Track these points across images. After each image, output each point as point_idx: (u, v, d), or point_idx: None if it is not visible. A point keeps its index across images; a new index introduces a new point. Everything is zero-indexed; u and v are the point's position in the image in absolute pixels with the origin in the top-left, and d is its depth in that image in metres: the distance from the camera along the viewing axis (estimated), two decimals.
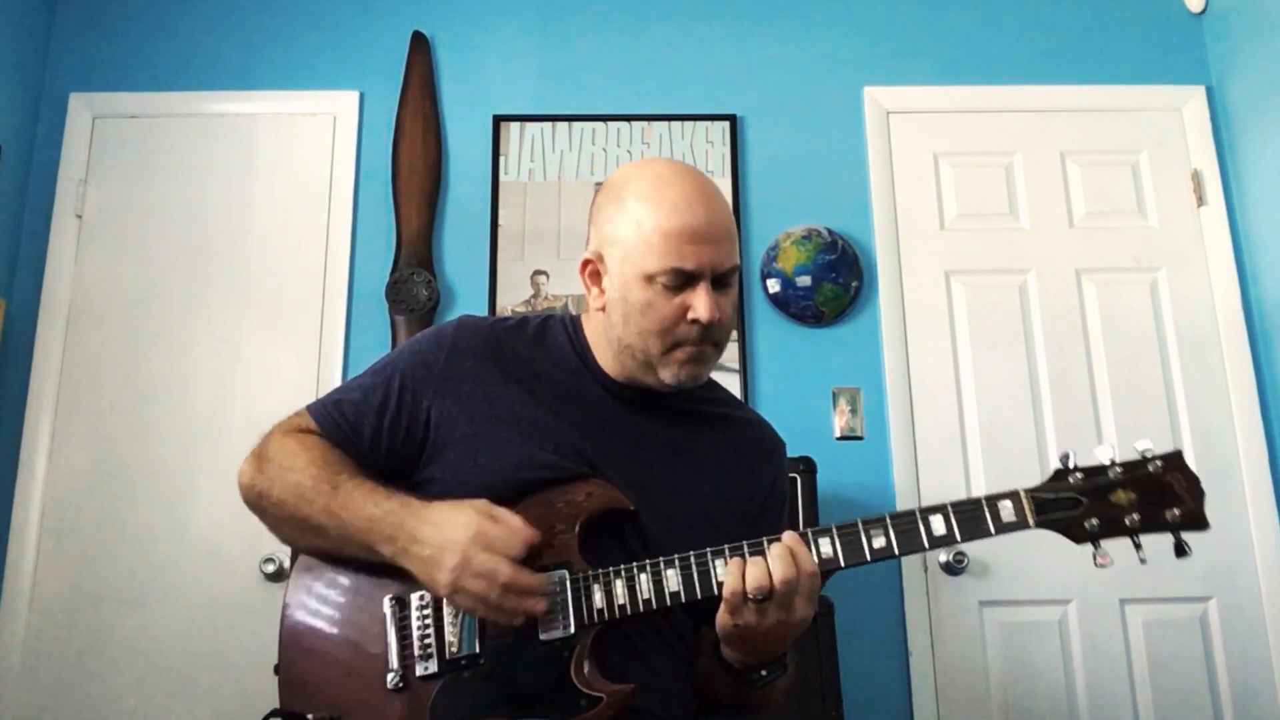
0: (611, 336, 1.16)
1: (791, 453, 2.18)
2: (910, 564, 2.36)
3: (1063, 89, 2.69)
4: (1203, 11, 2.72)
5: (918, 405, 2.46)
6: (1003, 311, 2.53)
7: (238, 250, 2.53)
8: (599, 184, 1.23)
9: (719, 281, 1.12)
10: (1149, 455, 1.02)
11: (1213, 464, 2.41)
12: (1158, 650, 2.31)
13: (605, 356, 1.19)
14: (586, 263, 1.18)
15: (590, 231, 1.20)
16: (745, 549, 1.04)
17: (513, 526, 1.03)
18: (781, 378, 2.48)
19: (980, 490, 2.35)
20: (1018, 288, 2.55)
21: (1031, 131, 2.66)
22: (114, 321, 2.48)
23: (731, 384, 2.44)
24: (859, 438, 2.45)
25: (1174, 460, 1.02)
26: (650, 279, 1.10)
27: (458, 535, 1.01)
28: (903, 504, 2.37)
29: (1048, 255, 2.57)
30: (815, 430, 2.43)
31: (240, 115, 2.63)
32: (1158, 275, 2.55)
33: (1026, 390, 2.47)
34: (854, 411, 2.46)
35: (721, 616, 1.02)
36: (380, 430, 1.15)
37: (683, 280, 1.10)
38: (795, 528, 1.07)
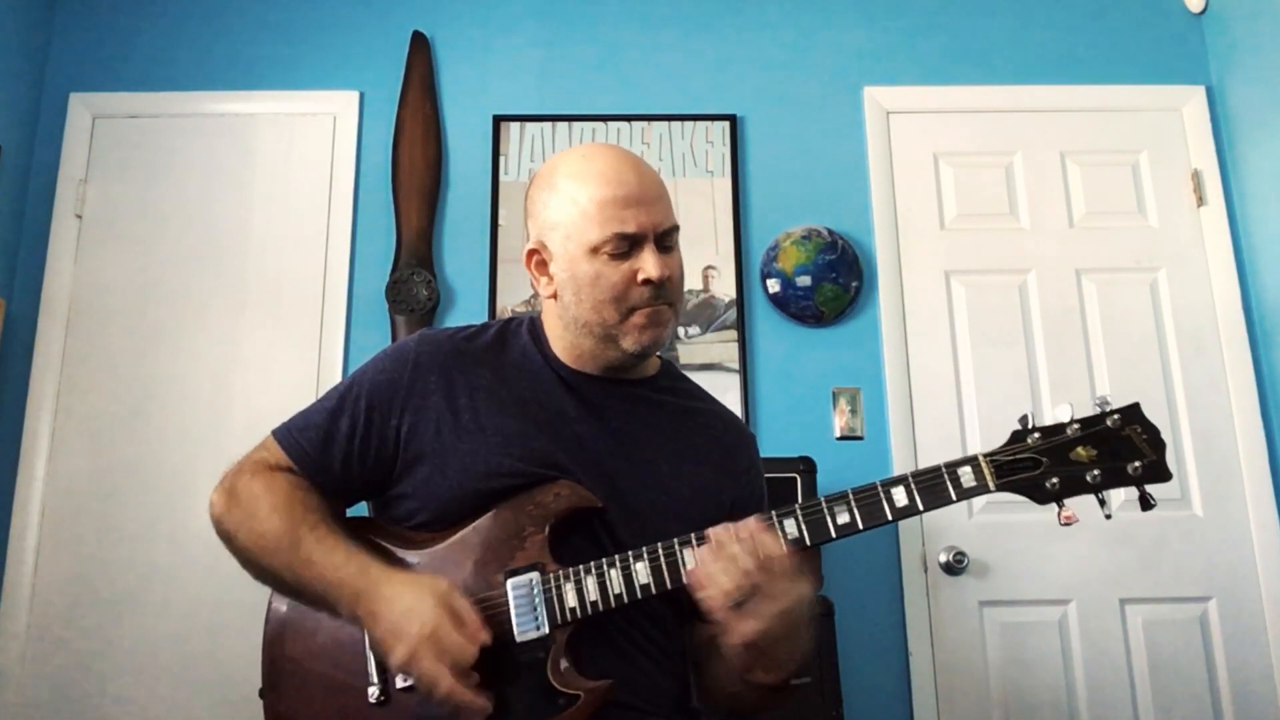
0: (567, 319, 1.17)
1: (791, 453, 2.22)
2: (910, 564, 2.36)
3: (1063, 89, 2.69)
4: (1203, 11, 2.72)
5: (918, 405, 2.46)
6: (1003, 311, 2.53)
7: (238, 250, 2.53)
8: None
9: (661, 244, 1.14)
10: (1107, 410, 1.01)
11: (1213, 464, 2.41)
12: (1158, 650, 2.31)
13: (563, 348, 1.21)
14: (531, 253, 1.20)
15: (528, 225, 1.22)
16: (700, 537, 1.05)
17: (470, 626, 1.02)
18: (781, 378, 2.48)
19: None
20: (1018, 288, 2.55)
21: (1031, 131, 2.66)
22: (114, 321, 2.48)
23: (731, 384, 2.44)
24: (859, 438, 2.45)
25: (1132, 413, 1.01)
26: (595, 250, 1.12)
27: (411, 629, 1.00)
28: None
29: (1048, 255, 2.57)
30: (815, 430, 2.43)
31: (240, 115, 2.63)
32: (1158, 275, 2.55)
33: (1026, 390, 2.46)
34: (854, 411, 2.46)
35: (726, 645, 1.02)
36: (350, 455, 1.16)
37: (627, 245, 1.12)
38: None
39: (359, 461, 1.16)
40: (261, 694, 1.12)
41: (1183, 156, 2.63)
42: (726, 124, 2.65)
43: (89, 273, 2.50)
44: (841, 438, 2.45)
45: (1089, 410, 1.02)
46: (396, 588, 1.03)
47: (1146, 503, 0.99)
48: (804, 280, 2.47)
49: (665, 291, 1.14)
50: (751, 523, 1.02)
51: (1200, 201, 2.59)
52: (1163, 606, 2.34)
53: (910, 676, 2.30)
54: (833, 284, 2.48)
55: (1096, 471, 1.00)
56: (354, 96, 2.65)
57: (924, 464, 2.35)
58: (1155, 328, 2.52)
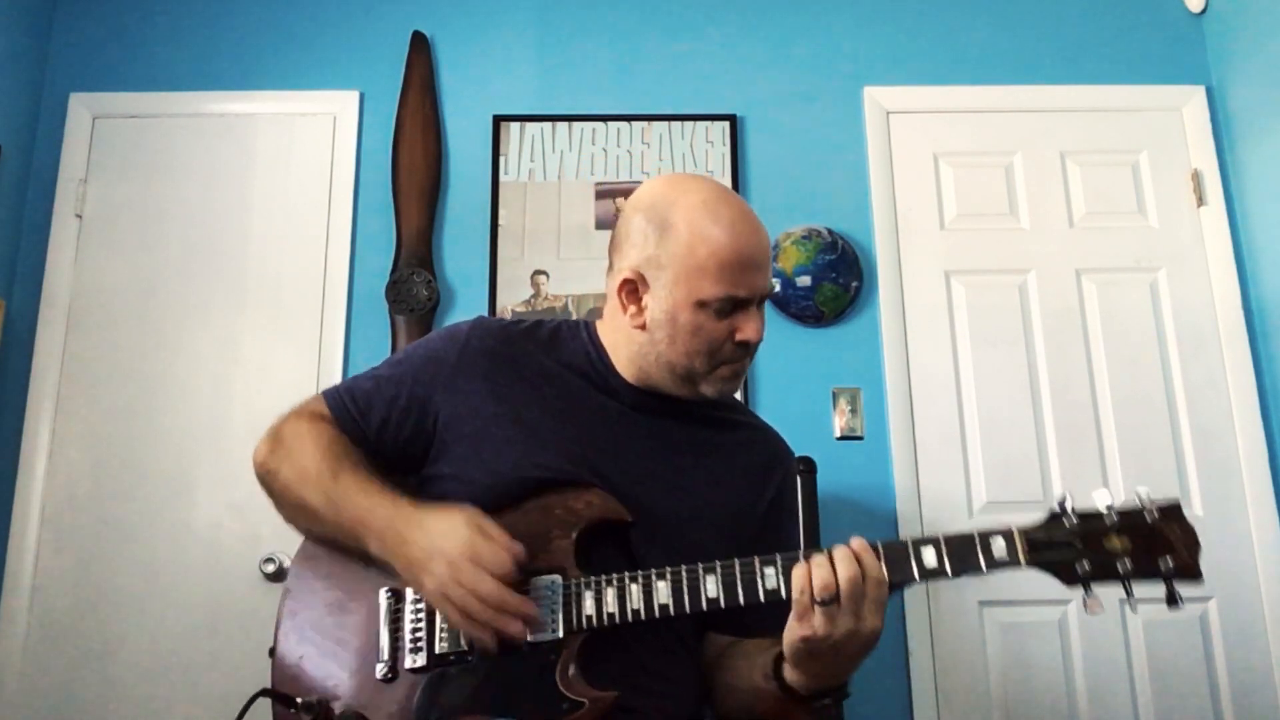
0: (648, 351, 1.17)
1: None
2: None
3: (1063, 89, 2.68)
4: (1203, 11, 2.72)
5: (918, 405, 2.46)
6: (1003, 311, 2.53)
7: (238, 250, 2.53)
8: (621, 198, 1.24)
9: (759, 305, 1.17)
10: (1147, 504, 1.01)
11: (1213, 464, 2.41)
12: (1158, 650, 2.31)
13: (628, 367, 1.21)
14: (626, 282, 1.17)
15: (624, 249, 1.18)
16: (749, 564, 1.05)
17: (502, 543, 1.04)
18: (781, 378, 2.48)
19: (980, 492, 2.37)
20: (1018, 288, 2.55)
21: (1031, 131, 2.66)
22: (114, 321, 2.48)
23: None
24: (859, 438, 2.45)
25: (1172, 511, 1.01)
26: (703, 304, 1.12)
27: (448, 544, 1.02)
28: (903, 504, 2.38)
29: (1048, 255, 2.56)
30: (815, 430, 2.43)
31: (240, 115, 2.63)
32: (1158, 275, 2.55)
33: (1026, 390, 2.46)
34: (854, 411, 2.46)
35: (790, 629, 0.98)
36: (389, 421, 1.19)
37: (734, 305, 1.13)
38: (795, 530, 1.07)
39: (395, 430, 1.19)
40: (272, 652, 1.14)
41: (1183, 156, 2.63)
42: (726, 124, 2.65)
43: (89, 273, 2.50)
44: (841, 438, 2.45)
45: (1127, 497, 1.02)
46: (427, 514, 1.06)
47: (1173, 600, 1.00)
48: (804, 280, 2.47)
49: (753, 351, 1.17)
50: (861, 541, 1.00)
51: (1200, 201, 2.59)
52: (1163, 606, 2.32)
53: (910, 676, 2.30)
54: (833, 284, 2.48)
55: (1129, 561, 0.99)
56: (354, 96, 2.65)
57: (924, 464, 2.40)
58: (1155, 328, 2.51)
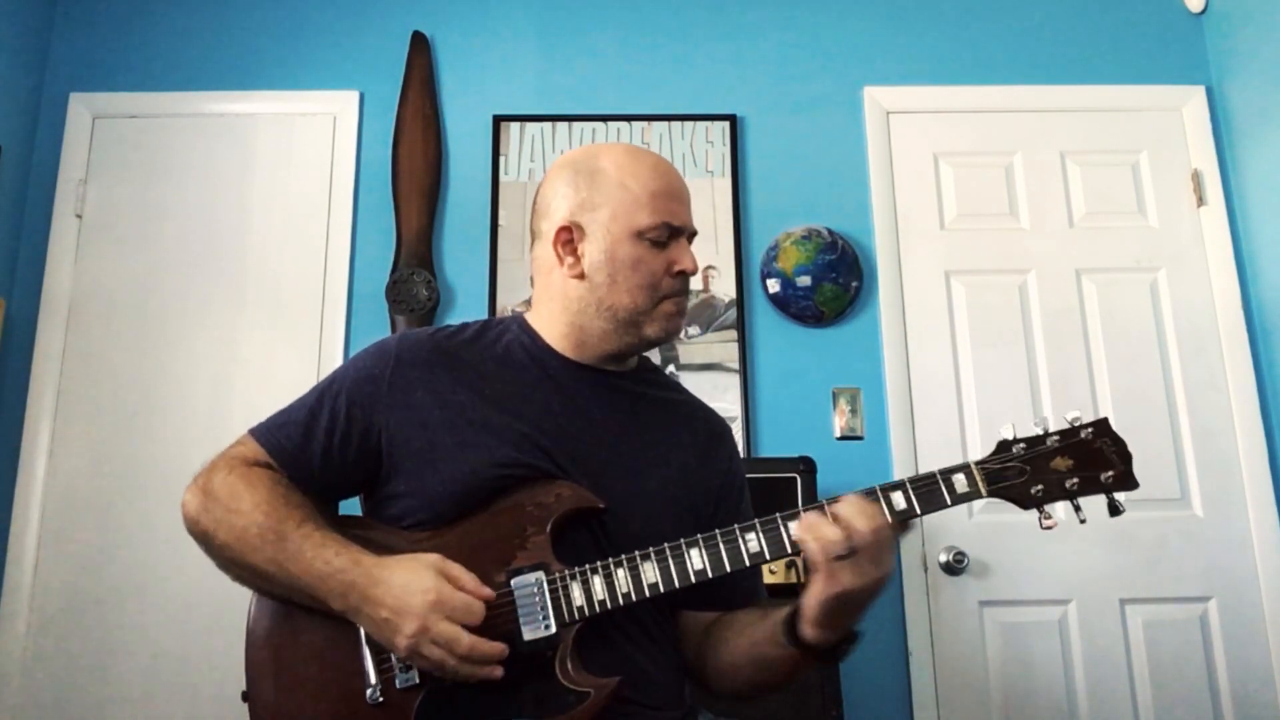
0: (588, 300, 1.18)
1: (791, 452, 2.22)
2: (910, 564, 2.36)
3: (1063, 89, 2.69)
4: (1203, 11, 2.72)
5: (918, 405, 2.46)
6: (1003, 311, 2.53)
7: (238, 250, 2.53)
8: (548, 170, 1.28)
9: (690, 238, 1.23)
10: (1079, 424, 1.08)
11: (1213, 464, 2.41)
12: (1158, 650, 2.31)
13: (562, 334, 1.21)
14: (562, 231, 1.18)
15: (552, 207, 1.21)
16: (730, 533, 1.08)
17: (470, 587, 1.03)
18: (781, 378, 2.48)
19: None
20: (1018, 288, 2.55)
21: (1031, 131, 2.66)
22: (114, 321, 2.48)
23: (731, 384, 2.44)
24: (859, 438, 2.45)
25: (1102, 427, 1.08)
26: (640, 235, 1.16)
27: (415, 601, 1.00)
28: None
29: (1048, 255, 2.57)
30: (815, 430, 2.43)
31: (240, 115, 2.63)
32: (1158, 275, 2.56)
33: (1026, 390, 2.47)
34: (854, 411, 2.46)
35: (818, 591, 1.01)
36: (331, 449, 1.14)
37: (669, 235, 1.18)
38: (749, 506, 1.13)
39: (339, 456, 1.15)
40: (244, 697, 1.09)
41: (1183, 156, 2.63)
42: (726, 124, 2.65)
43: (89, 273, 2.51)
44: (841, 438, 2.45)
45: (1059, 425, 1.10)
46: (389, 570, 1.03)
47: (1115, 509, 1.07)
48: (804, 280, 2.47)
49: (688, 285, 1.21)
50: (846, 507, 1.03)
51: (1200, 201, 2.59)
52: (1163, 606, 2.34)
53: (910, 676, 2.30)
54: (833, 284, 2.48)
55: (1075, 480, 1.07)
56: (354, 96, 2.65)
57: (924, 464, 2.39)
58: (1155, 328, 2.52)
